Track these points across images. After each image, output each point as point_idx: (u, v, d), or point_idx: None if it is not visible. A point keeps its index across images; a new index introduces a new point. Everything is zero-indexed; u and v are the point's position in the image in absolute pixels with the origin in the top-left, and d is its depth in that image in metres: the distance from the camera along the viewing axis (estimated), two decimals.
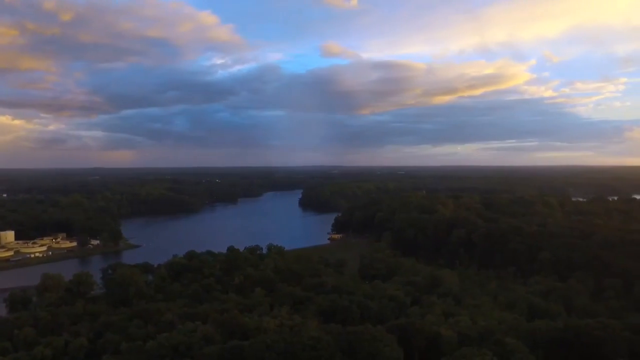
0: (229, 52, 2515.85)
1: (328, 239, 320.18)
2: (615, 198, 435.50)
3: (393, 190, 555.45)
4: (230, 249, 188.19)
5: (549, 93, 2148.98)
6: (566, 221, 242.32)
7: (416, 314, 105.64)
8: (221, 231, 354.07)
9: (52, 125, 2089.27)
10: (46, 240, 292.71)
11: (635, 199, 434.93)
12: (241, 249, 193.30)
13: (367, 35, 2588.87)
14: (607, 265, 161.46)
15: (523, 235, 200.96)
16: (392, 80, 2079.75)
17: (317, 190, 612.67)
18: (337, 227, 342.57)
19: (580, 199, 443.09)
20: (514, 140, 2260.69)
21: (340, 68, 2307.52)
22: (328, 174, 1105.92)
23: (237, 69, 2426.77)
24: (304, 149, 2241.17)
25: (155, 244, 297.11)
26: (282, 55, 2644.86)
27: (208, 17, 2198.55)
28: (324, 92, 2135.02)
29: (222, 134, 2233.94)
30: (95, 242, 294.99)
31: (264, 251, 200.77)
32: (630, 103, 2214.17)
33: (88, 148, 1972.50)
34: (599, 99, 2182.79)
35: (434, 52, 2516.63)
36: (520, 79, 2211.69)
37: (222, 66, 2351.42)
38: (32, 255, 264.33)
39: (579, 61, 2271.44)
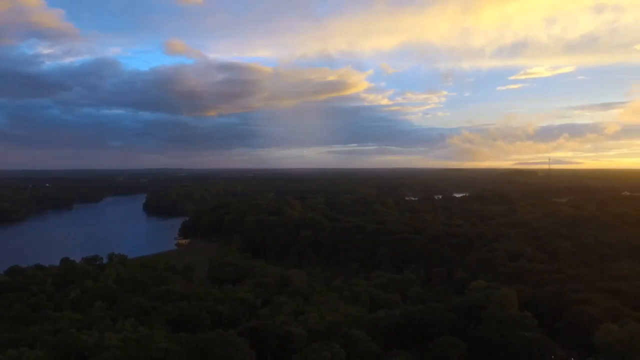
0: (58, 41, 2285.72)
1: (175, 244, 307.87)
2: (440, 197, 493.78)
3: (242, 193, 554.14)
4: (65, 261, 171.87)
5: (385, 101, 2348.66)
6: (401, 219, 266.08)
7: (267, 314, 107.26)
8: (53, 242, 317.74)
9: None
10: None
11: (455, 197, 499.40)
12: (78, 260, 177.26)
13: (213, 35, 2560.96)
14: (435, 256, 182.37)
15: (364, 233, 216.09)
16: (238, 82, 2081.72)
17: (163, 194, 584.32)
18: (185, 231, 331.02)
19: (413, 198, 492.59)
20: (355, 144, 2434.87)
21: (185, 67, 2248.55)
22: (174, 177, 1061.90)
23: (68, 61, 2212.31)
24: (148, 151, 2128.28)
25: None
26: (122, 50, 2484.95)
27: None
28: (168, 91, 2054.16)
29: (52, 133, 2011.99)
30: None
31: (105, 261, 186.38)
32: (450, 113, 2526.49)
33: None
34: (426, 109, 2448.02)
35: (280, 56, 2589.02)
36: (360, 87, 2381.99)
37: (50, 57, 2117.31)
38: None
39: (410, 74, 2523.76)
